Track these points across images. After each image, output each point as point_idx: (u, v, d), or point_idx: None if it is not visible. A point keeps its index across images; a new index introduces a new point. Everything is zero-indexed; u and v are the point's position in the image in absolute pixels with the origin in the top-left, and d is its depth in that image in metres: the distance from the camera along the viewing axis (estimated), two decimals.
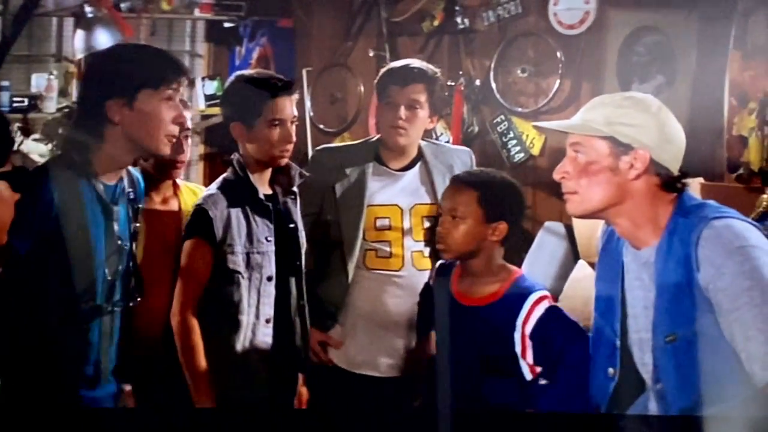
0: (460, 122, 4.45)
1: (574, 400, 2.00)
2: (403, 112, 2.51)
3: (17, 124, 4.26)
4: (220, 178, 2.38)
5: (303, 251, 2.43)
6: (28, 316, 1.91)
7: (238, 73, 2.44)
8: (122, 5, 4.72)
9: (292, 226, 2.39)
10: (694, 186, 3.40)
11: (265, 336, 2.32)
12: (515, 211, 2.28)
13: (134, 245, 2.08)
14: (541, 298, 2.17)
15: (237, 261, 2.28)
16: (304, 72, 4.95)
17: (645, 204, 1.79)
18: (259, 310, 2.31)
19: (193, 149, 5.17)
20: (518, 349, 2.15)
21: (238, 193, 2.31)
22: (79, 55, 4.58)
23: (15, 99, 4.61)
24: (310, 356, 2.53)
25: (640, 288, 1.82)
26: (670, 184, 1.80)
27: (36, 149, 3.48)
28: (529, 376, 2.16)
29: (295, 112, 2.35)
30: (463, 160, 2.66)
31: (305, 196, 2.48)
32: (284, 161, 2.36)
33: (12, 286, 1.89)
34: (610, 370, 1.85)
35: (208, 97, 4.99)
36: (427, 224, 2.56)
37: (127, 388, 2.17)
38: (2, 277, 1.86)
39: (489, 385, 2.17)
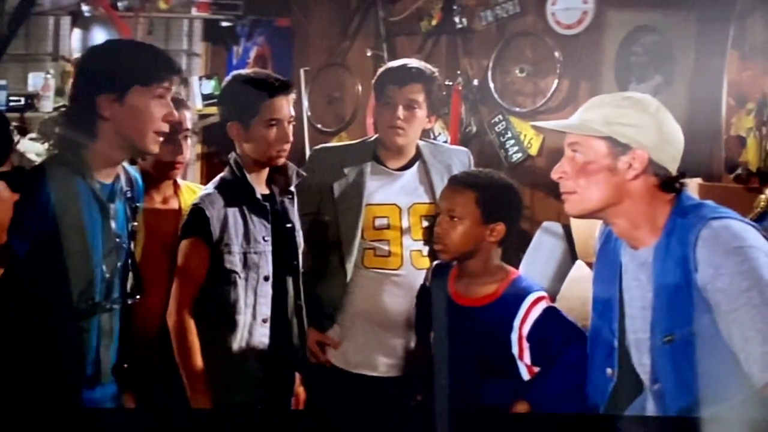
0: (458, 122, 4.44)
1: (571, 400, 2.00)
2: (401, 111, 2.51)
3: (14, 123, 4.24)
4: (218, 178, 2.37)
5: (300, 251, 2.43)
6: (28, 317, 1.91)
7: (236, 72, 2.44)
8: (119, 4, 4.71)
9: (289, 225, 2.39)
10: (692, 186, 3.39)
11: (262, 336, 2.32)
12: (513, 211, 2.28)
13: (132, 244, 2.08)
14: (539, 299, 2.17)
15: (234, 261, 2.27)
16: (301, 71, 4.95)
17: (643, 204, 1.79)
18: (255, 310, 2.31)
19: (190, 149, 5.16)
20: (515, 350, 2.15)
21: (236, 192, 2.31)
22: (76, 54, 4.57)
23: (12, 98, 4.60)
24: (307, 356, 2.53)
25: (638, 288, 1.82)
26: (669, 184, 1.80)
27: (33, 148, 3.47)
28: (526, 377, 2.16)
29: (293, 112, 2.35)
30: (461, 160, 2.66)
31: (303, 196, 2.47)
32: (281, 161, 2.35)
33: (12, 288, 1.89)
34: (609, 371, 1.85)
35: (205, 97, 4.98)
36: (425, 223, 2.56)
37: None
38: (2, 278, 1.86)
39: (486, 386, 2.17)
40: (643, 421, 1.79)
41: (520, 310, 2.15)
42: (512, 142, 4.47)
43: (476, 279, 2.24)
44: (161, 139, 1.98)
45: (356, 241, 2.54)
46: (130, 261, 2.04)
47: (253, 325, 2.31)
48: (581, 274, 3.83)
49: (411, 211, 2.58)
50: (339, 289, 2.56)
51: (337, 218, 2.56)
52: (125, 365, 2.09)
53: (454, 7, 4.54)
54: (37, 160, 2.31)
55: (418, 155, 2.61)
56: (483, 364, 2.17)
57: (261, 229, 2.31)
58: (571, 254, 4.06)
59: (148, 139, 1.95)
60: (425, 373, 2.35)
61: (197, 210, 2.27)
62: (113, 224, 1.98)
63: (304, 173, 2.43)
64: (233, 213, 2.28)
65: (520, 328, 2.15)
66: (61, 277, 1.90)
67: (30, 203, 1.84)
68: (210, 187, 2.34)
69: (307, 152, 4.19)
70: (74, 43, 4.64)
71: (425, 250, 2.57)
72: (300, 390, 2.50)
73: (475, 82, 4.53)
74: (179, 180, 2.48)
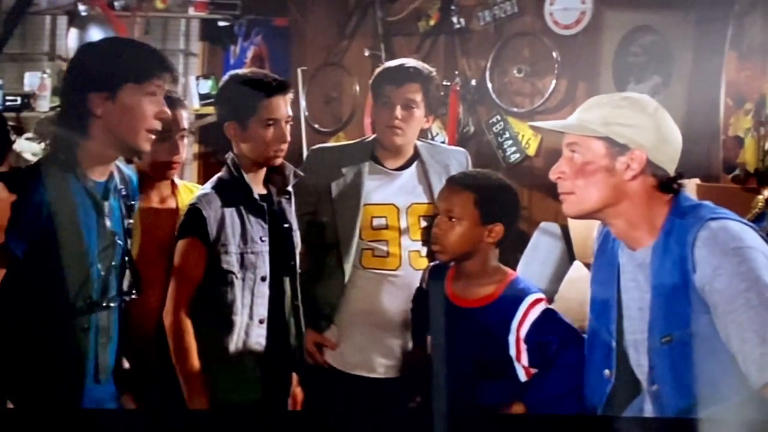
0: (455, 122, 4.44)
1: (568, 402, 2.00)
2: (399, 111, 2.51)
3: (10, 123, 4.24)
4: (215, 178, 2.37)
5: (297, 251, 2.42)
6: (28, 317, 1.91)
7: (233, 72, 2.43)
8: (116, 4, 4.71)
9: (286, 226, 2.38)
10: (690, 187, 3.40)
11: (259, 337, 2.32)
12: (511, 212, 2.28)
13: (129, 242, 2.07)
14: (537, 301, 2.16)
15: (231, 261, 2.27)
16: (299, 71, 4.94)
17: (641, 205, 1.79)
18: (252, 311, 2.30)
19: (188, 149, 5.16)
20: (513, 351, 2.14)
21: (233, 192, 2.30)
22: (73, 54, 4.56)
23: (8, 98, 4.59)
24: (305, 357, 2.52)
25: (636, 289, 1.81)
26: (667, 184, 1.79)
27: (29, 148, 3.46)
28: (524, 378, 2.15)
29: (290, 112, 2.35)
30: (459, 160, 2.65)
31: (301, 196, 2.47)
32: (279, 161, 2.35)
33: (11, 289, 1.88)
34: (606, 372, 1.85)
35: (202, 96, 4.98)
36: (424, 224, 2.56)
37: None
38: (3, 279, 1.85)
39: (484, 387, 2.16)
40: (640, 423, 1.79)
41: (518, 312, 2.15)
42: (510, 142, 4.47)
43: (474, 280, 2.23)
44: (153, 137, 1.97)
45: (354, 241, 2.53)
46: (126, 259, 2.03)
47: (249, 325, 2.30)
48: (579, 274, 3.83)
49: (409, 211, 2.57)
50: (337, 289, 2.55)
51: (335, 218, 2.55)
52: (128, 365, 2.08)
53: (452, 7, 4.54)
54: (34, 159, 2.31)
55: (416, 155, 2.61)
56: (480, 365, 2.16)
57: (258, 229, 2.31)
58: (569, 255, 4.06)
59: (140, 138, 1.94)
60: (423, 374, 2.35)
61: (194, 210, 2.27)
62: (108, 222, 1.98)
63: (302, 173, 2.43)
64: (230, 213, 2.28)
65: (518, 330, 2.14)
66: (58, 276, 1.90)
67: (25, 204, 1.83)
68: (207, 187, 2.34)
69: (305, 152, 4.18)
70: (71, 42, 4.64)
71: (423, 250, 2.56)
72: (297, 390, 2.49)
73: (473, 82, 4.53)
74: (177, 180, 2.47)
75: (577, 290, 3.66)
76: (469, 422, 1.84)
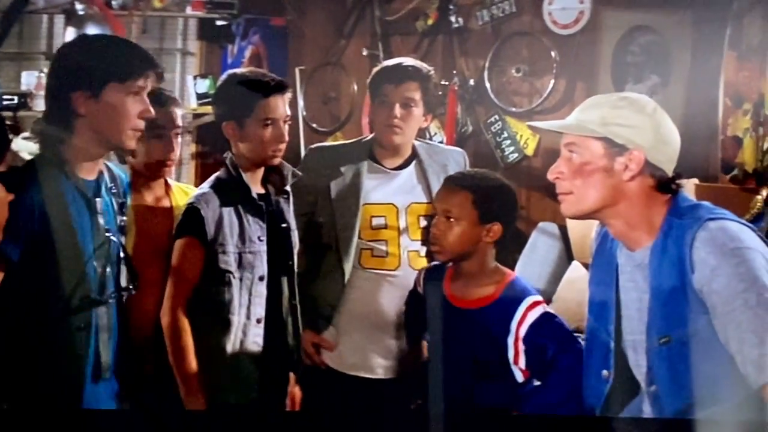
0: (453, 122, 4.44)
1: (565, 406, 2.00)
2: (398, 110, 2.50)
3: (7, 122, 4.23)
4: (213, 177, 2.36)
5: (295, 251, 2.42)
6: (27, 318, 1.90)
7: (231, 72, 2.43)
8: (113, 3, 4.70)
9: (284, 225, 2.38)
10: (689, 187, 3.39)
11: (257, 336, 2.31)
12: (509, 212, 2.27)
13: (123, 239, 2.07)
14: (536, 303, 2.16)
15: (228, 261, 2.26)
16: (297, 71, 4.94)
17: (639, 205, 1.78)
18: (250, 311, 2.30)
19: (185, 148, 5.16)
20: (511, 353, 2.14)
21: (231, 192, 2.30)
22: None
23: (5, 97, 4.59)
24: (302, 358, 2.51)
25: (634, 290, 1.81)
26: (665, 185, 1.79)
27: (26, 147, 3.46)
28: (521, 379, 2.15)
29: (288, 112, 2.34)
30: (457, 160, 2.65)
31: (299, 196, 2.46)
32: (277, 161, 2.35)
33: (8, 292, 1.88)
34: (605, 373, 1.85)
35: (199, 96, 4.97)
36: (423, 223, 2.55)
37: None
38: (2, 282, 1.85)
39: (481, 388, 2.16)
40: (639, 423, 1.79)
41: (517, 313, 2.14)
42: (508, 142, 4.46)
43: (473, 281, 2.23)
44: (139, 134, 1.97)
45: (354, 241, 2.53)
46: (122, 255, 2.03)
47: (247, 325, 2.30)
48: (577, 275, 3.82)
49: (408, 211, 2.57)
50: (336, 289, 2.55)
51: (334, 218, 2.55)
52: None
53: (450, 7, 4.53)
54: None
55: (415, 155, 2.60)
56: (478, 366, 2.16)
57: (256, 228, 2.30)
58: (568, 255, 4.05)
59: (125, 136, 1.94)
60: (420, 375, 2.34)
61: (192, 209, 2.26)
62: (101, 220, 1.98)
63: (300, 173, 2.42)
64: (228, 212, 2.28)
65: (517, 331, 2.14)
66: (55, 276, 1.89)
67: (17, 206, 1.82)
68: (205, 187, 2.34)
69: (303, 152, 4.18)
70: None
71: (423, 250, 2.55)
72: (295, 390, 2.49)
73: (471, 81, 4.52)
74: (170, 180, 2.47)
75: (575, 290, 3.65)
76: (467, 422, 1.83)
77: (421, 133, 2.77)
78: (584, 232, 3.50)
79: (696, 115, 3.76)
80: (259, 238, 2.30)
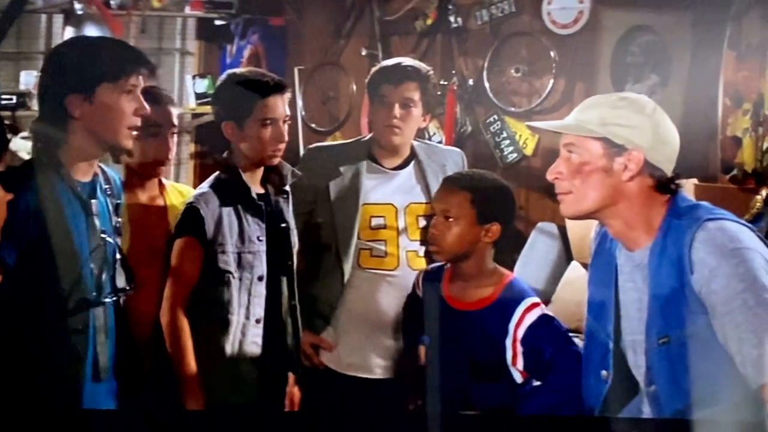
0: (453, 122, 4.44)
1: (563, 409, 1.99)
2: (397, 110, 2.50)
3: (6, 122, 4.23)
4: (212, 177, 2.36)
5: (294, 251, 2.41)
6: (25, 322, 1.90)
7: (230, 71, 2.42)
8: (112, 2, 4.70)
9: (283, 225, 2.38)
10: (688, 187, 3.39)
11: (256, 336, 2.31)
12: (507, 212, 2.27)
13: (119, 239, 2.07)
14: (534, 305, 2.16)
15: (228, 260, 2.26)
16: (296, 70, 4.94)
17: (639, 205, 1.78)
18: (249, 311, 2.30)
19: (184, 148, 5.16)
20: (509, 354, 2.14)
21: (230, 192, 2.29)
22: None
23: (3, 96, 4.58)
24: (301, 358, 2.51)
25: (634, 290, 1.81)
26: (664, 185, 1.79)
27: (24, 147, 3.46)
28: (520, 380, 2.15)
29: (288, 111, 2.34)
30: (455, 160, 2.65)
31: (298, 196, 2.46)
32: (276, 160, 2.34)
33: (7, 296, 1.88)
34: (604, 373, 1.84)
35: (198, 96, 4.97)
36: (422, 223, 2.55)
37: None
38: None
39: (480, 389, 2.15)
40: (638, 424, 1.78)
41: (515, 315, 2.14)
42: (507, 142, 4.46)
43: (471, 282, 2.22)
44: (135, 133, 1.97)
45: (353, 241, 2.53)
46: (119, 256, 2.03)
47: (246, 325, 2.30)
48: (577, 275, 3.82)
49: (407, 211, 2.57)
50: (335, 289, 2.55)
51: (334, 218, 2.54)
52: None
53: (450, 7, 4.53)
54: None
55: (413, 155, 2.60)
56: (476, 368, 2.16)
57: (256, 228, 2.30)
58: (567, 255, 4.05)
59: (121, 136, 1.94)
60: (419, 375, 2.34)
61: (192, 209, 2.26)
62: (97, 221, 1.97)
63: (299, 173, 2.42)
64: (228, 212, 2.27)
65: (515, 332, 2.14)
66: (52, 279, 1.89)
67: (13, 209, 1.82)
68: (205, 186, 2.33)
69: (301, 152, 4.18)
70: None
71: (421, 250, 2.55)
72: (294, 391, 2.48)
73: (471, 81, 4.53)
74: (164, 180, 2.47)
75: (574, 290, 3.66)
76: (465, 423, 1.83)
77: (420, 133, 2.77)
78: (583, 233, 3.50)
79: (695, 115, 3.76)
80: (258, 238, 2.30)
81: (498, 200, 2.25)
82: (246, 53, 4.99)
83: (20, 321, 1.90)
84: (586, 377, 1.90)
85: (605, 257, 1.88)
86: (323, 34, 4.99)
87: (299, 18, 5.04)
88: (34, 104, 4.60)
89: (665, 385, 1.74)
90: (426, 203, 2.56)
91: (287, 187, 2.40)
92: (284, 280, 2.38)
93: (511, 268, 2.33)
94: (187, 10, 5.03)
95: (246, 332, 2.30)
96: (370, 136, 2.63)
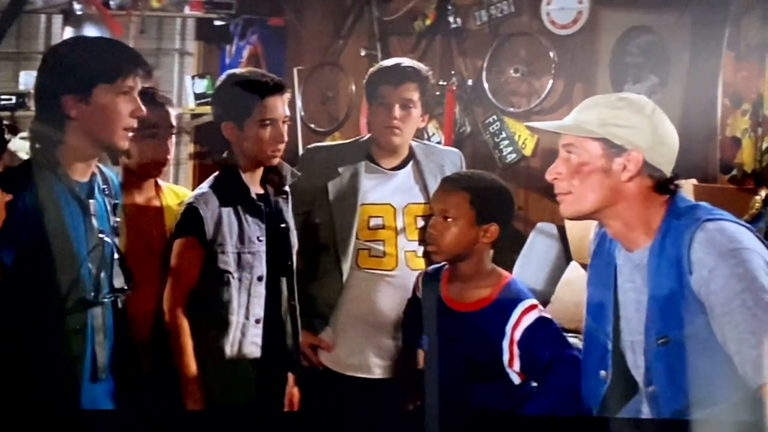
0: (452, 122, 4.44)
1: (561, 412, 1.99)
2: (397, 111, 2.50)
3: (5, 122, 4.22)
4: (212, 177, 2.36)
5: (294, 251, 2.42)
6: (22, 323, 1.90)
7: (230, 72, 2.43)
8: (111, 3, 4.69)
9: (283, 225, 2.38)
10: (687, 187, 3.39)
11: (255, 337, 2.31)
12: (506, 212, 2.27)
13: (117, 240, 2.07)
14: (531, 307, 2.16)
15: (228, 261, 2.26)
16: (295, 71, 4.93)
17: (638, 206, 1.78)
18: (249, 311, 2.30)
19: (183, 148, 5.15)
20: (506, 355, 2.14)
21: (230, 192, 2.30)
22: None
23: (2, 96, 4.57)
24: (300, 359, 2.51)
25: (633, 290, 1.81)
26: (663, 185, 1.79)
27: (24, 148, 3.45)
28: (517, 381, 2.15)
29: (287, 112, 2.34)
30: (453, 161, 2.65)
31: (296, 196, 2.46)
32: (276, 161, 2.34)
33: (5, 296, 1.88)
34: (602, 373, 1.84)
35: (197, 96, 4.97)
36: (420, 224, 2.55)
37: None
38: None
39: (477, 390, 2.15)
40: (637, 424, 1.79)
41: (512, 317, 2.14)
42: (507, 142, 4.46)
43: (470, 282, 2.22)
44: (131, 134, 1.97)
45: (352, 241, 2.53)
46: (116, 256, 2.03)
47: (246, 325, 2.30)
48: (576, 275, 3.82)
49: (405, 211, 2.57)
50: (334, 290, 2.55)
51: (332, 218, 2.55)
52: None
53: (449, 7, 4.53)
54: None
55: (412, 155, 2.60)
56: (473, 369, 2.16)
57: (255, 229, 2.30)
58: (566, 255, 4.05)
59: (118, 137, 1.94)
60: (417, 376, 2.34)
61: (191, 209, 2.26)
62: (95, 221, 1.98)
63: (299, 173, 2.42)
64: (228, 213, 2.27)
65: (512, 334, 2.14)
66: (50, 279, 1.89)
67: (11, 210, 1.82)
68: (204, 187, 2.33)
69: (301, 152, 4.18)
70: None
71: (420, 250, 2.56)
72: (294, 391, 2.48)
73: (470, 82, 4.52)
74: (160, 181, 2.47)
75: (573, 291, 3.65)
76: (463, 424, 1.83)
77: (419, 134, 2.77)
78: (583, 233, 3.49)
79: (694, 116, 3.76)
80: (258, 238, 2.30)
81: (497, 201, 2.25)
82: (245, 53, 4.98)
83: (18, 321, 1.90)
84: (585, 377, 1.91)
85: (604, 258, 1.89)
86: (322, 35, 4.98)
87: (298, 18, 5.04)
88: (34, 104, 4.60)
89: (664, 385, 1.75)
90: (424, 203, 2.56)
91: (287, 188, 2.40)
92: (284, 280, 2.38)
93: (510, 268, 2.33)
94: (187, 10, 5.03)
95: (245, 332, 2.30)
96: (368, 136, 2.63)
